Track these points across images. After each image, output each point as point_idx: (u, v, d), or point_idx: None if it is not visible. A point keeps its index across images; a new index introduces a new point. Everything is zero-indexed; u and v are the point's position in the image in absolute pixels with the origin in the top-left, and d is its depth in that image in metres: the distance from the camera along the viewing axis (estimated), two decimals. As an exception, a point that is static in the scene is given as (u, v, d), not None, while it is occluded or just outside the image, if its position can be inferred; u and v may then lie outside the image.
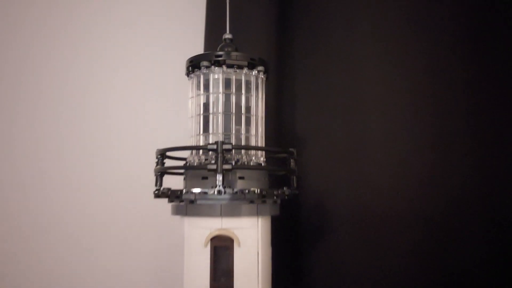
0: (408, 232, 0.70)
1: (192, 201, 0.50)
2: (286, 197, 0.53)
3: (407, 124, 0.72)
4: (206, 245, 0.50)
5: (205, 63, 0.52)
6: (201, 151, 0.53)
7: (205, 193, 0.49)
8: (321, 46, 0.76)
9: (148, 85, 0.91)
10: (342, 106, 0.75)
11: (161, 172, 0.53)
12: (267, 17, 0.77)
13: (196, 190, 0.50)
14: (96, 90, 0.92)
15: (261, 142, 0.56)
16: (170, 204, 0.54)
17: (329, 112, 0.76)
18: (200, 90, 0.54)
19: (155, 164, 0.53)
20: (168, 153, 0.54)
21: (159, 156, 0.53)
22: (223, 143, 0.48)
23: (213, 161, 0.49)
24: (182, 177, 0.55)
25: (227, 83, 0.53)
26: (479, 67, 0.70)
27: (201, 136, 0.54)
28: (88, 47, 0.94)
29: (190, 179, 0.52)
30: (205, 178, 0.51)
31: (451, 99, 0.71)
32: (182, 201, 0.51)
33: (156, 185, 0.53)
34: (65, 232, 0.89)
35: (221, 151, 0.48)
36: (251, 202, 0.50)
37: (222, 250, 0.50)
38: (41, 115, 0.92)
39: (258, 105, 0.56)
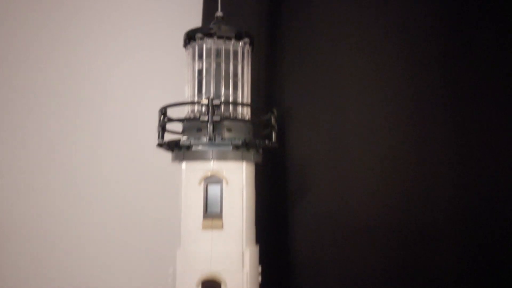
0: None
1: (188, 148, 0.61)
2: (271, 145, 0.64)
3: (386, 114, 0.82)
4: (200, 184, 0.61)
5: (199, 35, 0.63)
6: (196, 109, 0.64)
7: (199, 140, 0.60)
8: (307, 29, 0.87)
9: (148, 82, 0.99)
10: (324, 83, 0.86)
11: (163, 125, 0.64)
12: (258, 4, 0.88)
13: (192, 138, 0.61)
14: (95, 87, 0.99)
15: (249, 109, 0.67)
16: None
17: (313, 88, 0.87)
18: (195, 59, 0.65)
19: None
20: (169, 115, 0.65)
21: (161, 112, 0.64)
22: (213, 99, 0.59)
23: (205, 115, 0.60)
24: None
25: (218, 53, 0.64)
26: (456, 70, 0.80)
27: (196, 98, 0.65)
28: (88, 47, 1.00)
29: (186, 131, 0.63)
30: (199, 130, 0.61)
31: (429, 97, 0.80)
32: (180, 148, 0.62)
33: (158, 138, 0.64)
34: (69, 231, 0.97)
35: (212, 106, 0.58)
36: (237, 148, 0.60)
37: (213, 188, 0.61)
38: (38, 115, 0.99)
39: (244, 72, 0.66)
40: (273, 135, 0.66)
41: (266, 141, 0.64)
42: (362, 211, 0.82)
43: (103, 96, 1.00)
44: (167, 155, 0.66)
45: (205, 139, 0.59)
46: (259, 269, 0.63)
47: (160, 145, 0.63)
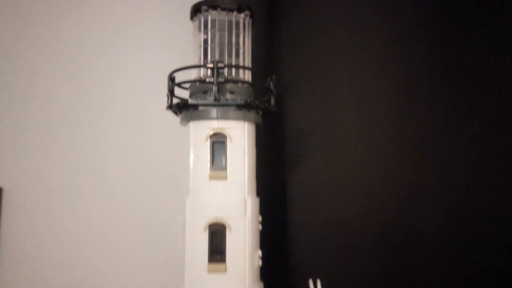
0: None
1: (195, 108, 0.68)
2: (268, 109, 0.71)
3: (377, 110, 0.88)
4: (206, 140, 0.68)
5: (204, 7, 0.70)
6: (202, 74, 0.71)
7: (205, 100, 0.67)
8: (304, 7, 0.94)
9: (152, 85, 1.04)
10: (319, 58, 0.93)
11: (172, 90, 0.71)
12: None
13: (199, 99, 0.68)
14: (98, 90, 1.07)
15: (247, 72, 0.74)
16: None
17: (309, 62, 0.94)
18: (201, 29, 0.72)
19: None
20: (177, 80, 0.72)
21: (169, 77, 0.71)
22: (218, 61, 0.66)
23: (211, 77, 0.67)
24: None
25: (222, 24, 0.71)
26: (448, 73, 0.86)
27: (201, 70, 0.72)
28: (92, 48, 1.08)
29: (193, 95, 0.70)
30: (205, 92, 0.68)
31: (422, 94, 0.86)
32: (188, 109, 0.69)
33: (168, 101, 0.71)
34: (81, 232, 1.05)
35: (217, 68, 0.65)
36: (239, 108, 0.67)
37: (218, 144, 0.68)
38: (43, 118, 1.06)
39: (245, 42, 0.73)
40: (272, 99, 0.73)
41: (266, 104, 0.71)
42: (353, 178, 0.88)
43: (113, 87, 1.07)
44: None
45: (210, 99, 0.66)
46: (260, 218, 0.70)
47: (169, 107, 0.70)
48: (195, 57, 0.73)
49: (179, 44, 0.96)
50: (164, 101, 0.73)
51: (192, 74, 0.72)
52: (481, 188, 0.78)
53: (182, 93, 0.73)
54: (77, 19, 1.08)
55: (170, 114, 0.74)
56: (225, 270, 0.64)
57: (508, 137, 0.68)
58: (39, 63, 1.08)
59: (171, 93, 0.71)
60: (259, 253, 0.68)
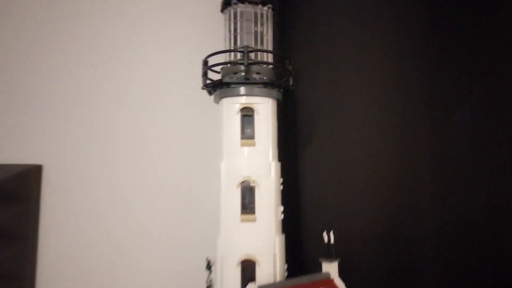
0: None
1: (228, 86, 0.80)
2: (287, 88, 0.84)
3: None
4: (237, 114, 0.80)
5: (234, 1, 0.83)
6: (232, 57, 0.84)
7: (236, 78, 0.80)
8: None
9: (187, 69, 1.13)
10: (325, 46, 1.06)
11: (205, 72, 0.83)
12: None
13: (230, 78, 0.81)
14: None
15: (270, 56, 0.86)
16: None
17: (317, 48, 1.07)
18: (231, 20, 0.85)
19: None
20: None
21: (204, 62, 0.84)
22: (247, 47, 0.79)
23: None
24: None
25: (248, 15, 0.84)
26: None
27: (230, 54, 0.85)
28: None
29: (225, 75, 0.83)
30: (235, 73, 0.81)
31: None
32: (221, 87, 0.81)
33: (202, 82, 0.84)
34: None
35: (246, 52, 0.78)
36: (265, 86, 0.80)
37: (247, 119, 0.81)
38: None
39: (268, 30, 0.86)
40: (290, 79, 0.86)
41: (286, 83, 0.84)
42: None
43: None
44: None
45: (241, 78, 0.79)
46: (281, 179, 0.83)
47: (205, 86, 0.83)
48: (225, 44, 0.86)
49: (206, 35, 1.09)
50: (196, 84, 0.86)
51: (223, 59, 0.85)
52: (477, 190, 0.92)
53: (212, 76, 0.86)
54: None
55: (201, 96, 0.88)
56: (255, 220, 0.77)
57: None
58: (77, 46, 1.21)
59: (205, 74, 0.83)
60: (281, 208, 0.81)
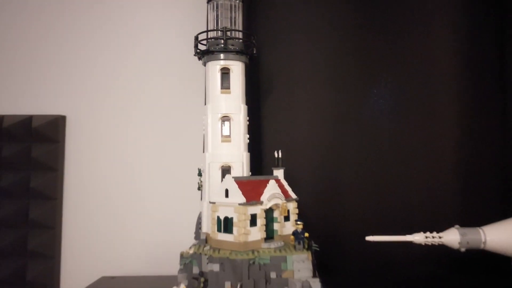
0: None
1: (212, 53, 1.20)
2: (252, 55, 1.25)
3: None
4: (218, 72, 1.21)
5: (216, -5, 1.23)
6: (215, 34, 1.23)
7: (217, 48, 1.20)
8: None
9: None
10: (281, 26, 1.48)
11: (196, 44, 1.23)
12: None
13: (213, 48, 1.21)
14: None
15: (240, 33, 1.27)
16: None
17: (274, 28, 1.48)
18: (214, 9, 1.24)
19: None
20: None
21: (195, 37, 1.23)
22: (225, 27, 1.19)
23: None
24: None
25: (226, 6, 1.24)
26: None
27: (213, 32, 1.25)
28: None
29: (210, 46, 1.22)
30: (217, 45, 1.21)
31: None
32: (208, 54, 1.21)
33: (195, 51, 1.24)
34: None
35: (225, 31, 1.18)
36: (237, 53, 1.20)
37: (225, 76, 1.21)
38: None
39: (239, 15, 1.26)
40: (254, 49, 1.27)
41: (253, 52, 1.25)
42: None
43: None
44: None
45: (221, 48, 1.19)
46: (247, 118, 1.25)
47: (196, 53, 1.23)
48: (210, 25, 1.25)
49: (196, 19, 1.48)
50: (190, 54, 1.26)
51: (208, 36, 1.25)
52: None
53: (201, 47, 1.26)
54: None
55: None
56: (230, 141, 1.18)
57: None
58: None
59: (196, 46, 1.23)
60: (247, 135, 1.23)
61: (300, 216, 1.13)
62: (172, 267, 1.15)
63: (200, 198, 1.21)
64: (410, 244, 1.19)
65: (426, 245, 1.11)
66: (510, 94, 1.44)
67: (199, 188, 1.22)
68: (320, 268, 1.05)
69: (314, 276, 1.00)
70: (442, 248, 1.12)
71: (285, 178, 1.20)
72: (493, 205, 1.40)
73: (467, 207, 1.40)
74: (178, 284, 1.01)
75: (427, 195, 1.43)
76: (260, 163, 1.39)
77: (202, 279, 1.05)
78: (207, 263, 1.04)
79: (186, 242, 1.18)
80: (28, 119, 1.54)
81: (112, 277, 1.45)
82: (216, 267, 1.01)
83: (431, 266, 1.35)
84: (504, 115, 1.44)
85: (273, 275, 1.00)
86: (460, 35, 1.44)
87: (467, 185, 1.43)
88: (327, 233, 1.36)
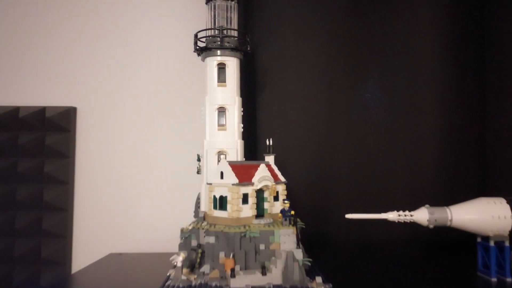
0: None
1: (210, 49, 1.33)
2: (247, 51, 1.38)
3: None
4: (215, 67, 1.34)
5: (214, -3, 1.36)
6: (213, 32, 1.36)
7: (215, 45, 1.33)
8: None
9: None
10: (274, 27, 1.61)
11: (196, 42, 1.36)
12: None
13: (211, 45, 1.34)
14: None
15: (235, 32, 1.39)
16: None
17: (269, 28, 1.61)
18: (211, 9, 1.37)
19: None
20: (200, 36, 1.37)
21: (195, 35, 1.36)
22: (222, 26, 1.32)
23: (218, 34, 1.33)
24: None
25: (223, 7, 1.37)
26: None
27: (212, 30, 1.38)
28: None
29: (208, 43, 1.35)
30: (215, 42, 1.34)
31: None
32: (206, 50, 1.34)
33: (194, 48, 1.36)
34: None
35: (221, 29, 1.31)
36: (232, 50, 1.33)
37: (221, 70, 1.34)
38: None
39: (234, 15, 1.39)
40: (248, 46, 1.39)
41: (247, 48, 1.38)
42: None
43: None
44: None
45: (218, 45, 1.32)
46: (241, 125, 1.38)
47: (196, 50, 1.36)
48: (208, 24, 1.38)
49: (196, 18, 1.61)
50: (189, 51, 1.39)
51: (207, 34, 1.38)
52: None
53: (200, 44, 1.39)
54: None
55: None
56: (226, 130, 1.31)
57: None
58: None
59: (195, 43, 1.36)
60: (241, 125, 1.36)
61: (290, 198, 1.26)
62: (174, 245, 1.27)
63: (198, 181, 1.34)
64: (389, 226, 1.33)
65: (402, 226, 1.24)
66: (489, 90, 1.57)
67: (198, 172, 1.36)
68: (305, 245, 1.18)
69: (297, 247, 1.13)
70: (419, 231, 1.26)
71: (277, 164, 1.33)
72: (470, 191, 1.53)
73: (446, 191, 1.53)
74: (178, 254, 1.15)
75: (409, 181, 1.56)
76: (255, 150, 1.53)
77: (200, 250, 1.18)
78: (204, 236, 1.18)
79: (186, 221, 1.31)
80: (42, 110, 1.67)
81: (120, 254, 1.58)
82: (212, 240, 1.15)
83: (408, 247, 1.49)
84: (483, 110, 1.57)
85: (262, 246, 1.14)
86: (443, 37, 1.57)
87: (446, 172, 1.56)
88: (314, 214, 1.49)
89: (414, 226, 1.24)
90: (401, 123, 1.57)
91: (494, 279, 1.17)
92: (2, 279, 1.63)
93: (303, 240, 1.19)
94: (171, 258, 1.14)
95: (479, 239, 1.23)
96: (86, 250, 1.65)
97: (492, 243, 1.18)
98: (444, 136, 1.56)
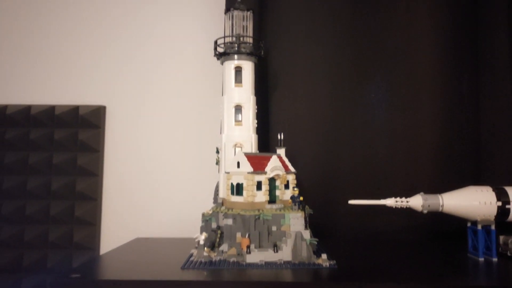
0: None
1: (228, 54, 1.50)
2: (260, 56, 1.54)
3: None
4: (233, 70, 1.50)
5: (231, 8, 1.51)
6: (230, 39, 1.52)
7: (232, 50, 1.49)
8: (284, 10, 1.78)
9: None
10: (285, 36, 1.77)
11: (215, 47, 1.52)
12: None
13: (229, 50, 1.50)
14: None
15: (251, 39, 1.55)
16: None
17: (280, 37, 1.77)
18: (229, 19, 1.54)
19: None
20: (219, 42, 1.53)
21: (215, 42, 1.52)
22: (239, 34, 1.48)
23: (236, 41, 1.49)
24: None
25: (239, 16, 1.53)
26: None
27: (228, 38, 1.54)
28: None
29: (227, 49, 1.51)
30: (232, 47, 1.50)
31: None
32: (224, 55, 1.50)
33: (214, 53, 1.53)
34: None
35: (238, 37, 1.48)
36: (247, 54, 1.49)
37: (238, 73, 1.50)
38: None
39: (250, 24, 1.55)
40: (262, 51, 1.55)
41: (261, 53, 1.54)
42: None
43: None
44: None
45: (235, 50, 1.48)
46: (256, 121, 1.54)
47: (215, 54, 1.52)
48: (226, 32, 1.55)
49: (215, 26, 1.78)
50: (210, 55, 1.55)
51: (225, 40, 1.54)
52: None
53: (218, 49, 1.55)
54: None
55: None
56: (242, 125, 1.47)
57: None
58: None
59: (215, 48, 1.53)
60: (256, 120, 1.52)
61: (300, 187, 1.41)
62: (195, 230, 1.43)
63: (217, 171, 1.50)
64: (390, 215, 1.48)
65: (401, 215, 1.39)
66: (483, 89, 1.71)
67: (217, 163, 1.52)
68: (312, 230, 1.33)
69: (305, 228, 1.29)
70: (416, 219, 1.41)
71: (287, 156, 1.49)
72: (464, 182, 1.66)
73: (443, 182, 1.66)
74: (201, 234, 1.31)
75: (409, 172, 1.70)
76: (267, 144, 1.68)
77: (219, 231, 1.34)
78: (223, 219, 1.33)
79: (206, 207, 1.47)
80: (76, 108, 1.85)
81: (145, 238, 1.75)
82: (229, 221, 1.31)
83: (407, 234, 1.63)
84: (477, 107, 1.71)
85: (274, 228, 1.29)
86: (441, 42, 1.71)
87: (443, 165, 1.70)
88: (322, 203, 1.64)
89: (412, 215, 1.39)
90: (402, 121, 1.71)
91: (481, 259, 1.30)
92: (38, 261, 1.80)
93: (311, 225, 1.34)
94: (195, 236, 1.30)
95: (469, 224, 1.37)
96: (113, 236, 1.82)
97: (479, 227, 1.31)
98: (441, 132, 1.69)
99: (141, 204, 1.84)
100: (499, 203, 1.29)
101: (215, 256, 1.28)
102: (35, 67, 1.90)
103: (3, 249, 1.81)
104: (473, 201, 1.29)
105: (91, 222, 1.84)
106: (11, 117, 1.84)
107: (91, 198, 1.84)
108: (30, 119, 1.84)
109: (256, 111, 1.52)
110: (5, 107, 1.86)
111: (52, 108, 1.85)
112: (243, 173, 1.33)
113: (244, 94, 1.48)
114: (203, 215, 1.40)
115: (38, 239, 1.82)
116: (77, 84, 1.89)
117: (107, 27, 1.91)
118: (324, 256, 1.24)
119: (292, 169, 1.46)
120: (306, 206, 1.37)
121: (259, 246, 1.27)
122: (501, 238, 1.35)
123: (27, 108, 1.85)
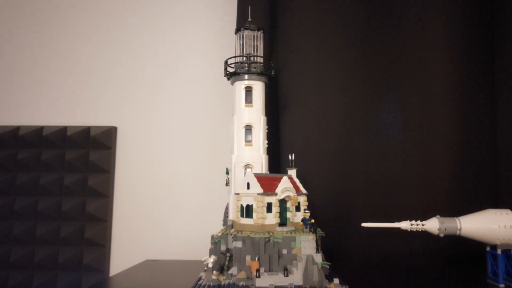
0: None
1: (239, 74, 1.49)
2: (271, 76, 1.53)
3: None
4: (243, 90, 1.49)
5: (242, 28, 1.51)
6: (241, 59, 1.52)
7: (243, 70, 1.48)
8: (294, 29, 1.77)
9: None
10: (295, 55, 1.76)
11: (226, 67, 1.52)
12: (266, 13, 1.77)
13: (239, 70, 1.49)
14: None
15: (261, 59, 1.55)
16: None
17: (289, 56, 1.76)
18: (240, 38, 1.53)
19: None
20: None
21: (225, 62, 1.52)
22: (249, 54, 1.48)
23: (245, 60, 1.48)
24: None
25: (250, 36, 1.53)
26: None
27: (240, 57, 1.53)
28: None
29: (237, 69, 1.51)
30: (242, 67, 1.49)
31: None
32: (235, 75, 1.50)
33: (224, 73, 1.52)
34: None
35: (248, 56, 1.47)
36: (258, 75, 1.48)
37: (248, 93, 1.49)
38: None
39: (260, 44, 1.54)
40: (273, 71, 1.54)
41: (272, 73, 1.53)
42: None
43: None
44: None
45: (246, 70, 1.47)
46: (266, 141, 1.51)
47: (226, 74, 1.51)
48: (236, 51, 1.54)
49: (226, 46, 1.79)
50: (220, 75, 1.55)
51: (235, 60, 1.53)
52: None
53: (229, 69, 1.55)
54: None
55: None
56: (252, 145, 1.45)
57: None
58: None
59: (226, 68, 1.52)
60: (266, 141, 1.50)
61: (310, 209, 1.38)
62: (204, 253, 1.39)
63: (227, 193, 1.48)
64: (404, 238, 1.44)
65: (416, 238, 1.34)
66: (499, 109, 1.67)
67: (227, 184, 1.49)
68: (324, 254, 1.29)
69: (317, 252, 1.25)
70: (432, 242, 1.36)
71: (298, 177, 1.46)
72: (483, 204, 1.61)
73: (461, 204, 1.61)
74: (210, 256, 1.28)
75: (423, 193, 1.65)
76: (278, 164, 1.66)
77: (228, 254, 1.31)
78: (232, 241, 1.30)
79: (216, 229, 1.44)
80: (87, 129, 1.86)
81: (155, 260, 1.72)
82: (239, 244, 1.28)
83: (423, 257, 1.58)
84: (494, 128, 1.66)
85: (284, 251, 1.26)
86: (455, 60, 1.68)
87: (461, 187, 1.65)
88: (334, 225, 1.60)
89: (427, 238, 1.34)
90: (416, 141, 1.67)
91: (502, 286, 1.25)
92: (47, 282, 1.79)
93: (323, 248, 1.30)
94: (203, 259, 1.27)
95: (488, 248, 1.31)
96: (123, 258, 1.80)
97: (499, 251, 1.26)
98: (457, 153, 1.65)
99: (150, 225, 1.82)
100: (520, 227, 1.24)
101: (224, 280, 1.24)
102: (47, 88, 1.93)
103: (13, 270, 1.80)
104: (493, 225, 1.25)
105: (101, 244, 1.82)
106: (24, 138, 1.85)
107: (101, 220, 1.83)
108: (42, 140, 1.85)
109: (266, 131, 1.50)
110: (17, 128, 1.87)
111: (64, 129, 1.86)
112: (253, 195, 1.31)
113: (255, 114, 1.47)
114: (212, 237, 1.37)
115: (47, 261, 1.82)
116: (88, 105, 1.90)
117: (118, 49, 1.93)
118: (336, 280, 1.20)
119: (303, 190, 1.43)
120: (318, 229, 1.33)
121: (269, 270, 1.24)
122: (523, 263, 1.29)
123: (39, 129, 1.86)
